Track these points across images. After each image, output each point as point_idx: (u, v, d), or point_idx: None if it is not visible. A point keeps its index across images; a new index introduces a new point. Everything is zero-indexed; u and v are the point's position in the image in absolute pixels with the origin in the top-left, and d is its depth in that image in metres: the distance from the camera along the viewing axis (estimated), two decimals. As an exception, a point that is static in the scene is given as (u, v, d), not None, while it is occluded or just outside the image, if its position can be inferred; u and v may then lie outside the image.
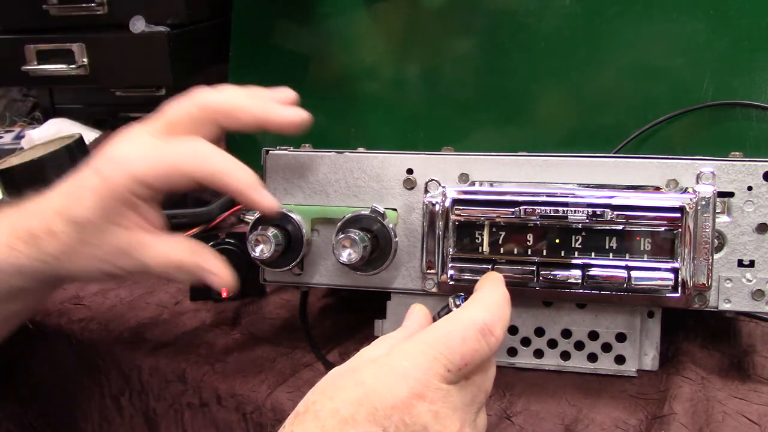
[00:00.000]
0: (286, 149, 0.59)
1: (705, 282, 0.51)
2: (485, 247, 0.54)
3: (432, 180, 0.55)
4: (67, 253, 0.54)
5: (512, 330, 0.57)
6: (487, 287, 0.46)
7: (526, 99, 0.83)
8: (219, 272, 0.54)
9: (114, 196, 0.52)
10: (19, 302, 0.59)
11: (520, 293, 0.53)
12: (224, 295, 0.67)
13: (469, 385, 0.41)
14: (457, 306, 0.45)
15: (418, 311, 0.47)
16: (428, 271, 0.55)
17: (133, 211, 0.53)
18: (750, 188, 0.52)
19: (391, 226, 0.55)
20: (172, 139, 0.54)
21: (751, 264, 0.52)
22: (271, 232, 0.54)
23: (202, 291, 0.70)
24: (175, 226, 0.86)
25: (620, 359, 0.56)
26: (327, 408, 0.39)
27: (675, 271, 0.51)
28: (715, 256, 0.52)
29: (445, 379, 0.40)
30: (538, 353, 0.57)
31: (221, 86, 0.56)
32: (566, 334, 0.56)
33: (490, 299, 0.44)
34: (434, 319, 0.46)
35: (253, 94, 0.55)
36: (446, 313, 0.45)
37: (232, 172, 0.52)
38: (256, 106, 0.55)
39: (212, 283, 0.55)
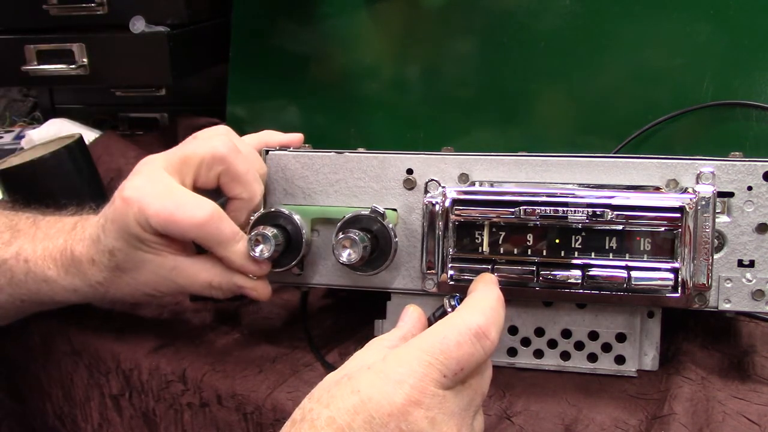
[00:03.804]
0: (286, 150, 0.59)
1: (705, 282, 0.51)
2: (485, 248, 0.54)
3: (432, 180, 0.55)
4: (108, 279, 0.58)
5: (512, 330, 0.57)
6: (480, 290, 0.46)
7: (526, 99, 0.83)
8: (254, 286, 0.57)
9: (127, 229, 0.55)
10: (57, 306, 0.63)
11: (520, 293, 0.54)
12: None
13: (465, 389, 0.41)
14: (452, 307, 0.45)
15: (413, 312, 0.47)
16: (428, 271, 0.55)
17: (157, 238, 0.55)
18: (750, 188, 0.52)
19: (391, 226, 0.55)
20: (183, 189, 0.55)
21: (751, 264, 0.52)
22: (271, 232, 0.54)
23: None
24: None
25: (620, 359, 0.56)
26: (323, 416, 0.39)
27: (675, 271, 0.51)
28: (715, 256, 0.52)
29: (441, 385, 0.40)
30: (538, 353, 0.57)
31: (241, 142, 0.58)
32: (566, 334, 0.56)
33: (484, 302, 0.44)
34: (429, 321, 0.46)
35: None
36: (441, 314, 0.45)
37: (227, 247, 0.55)
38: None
39: (251, 297, 0.58)
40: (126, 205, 0.54)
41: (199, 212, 0.54)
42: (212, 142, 0.56)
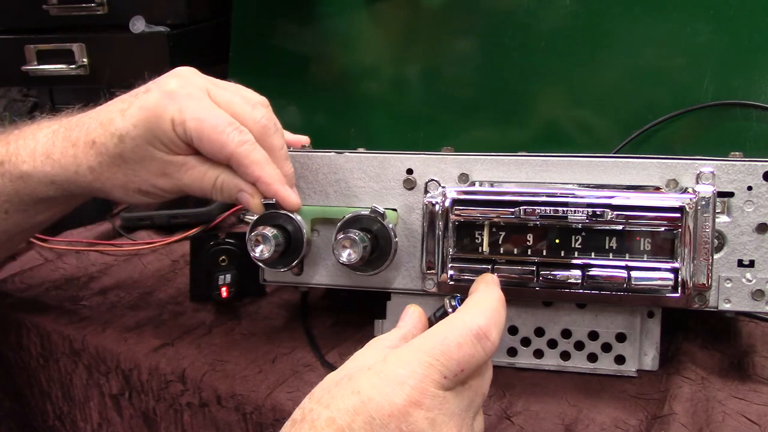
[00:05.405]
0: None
1: (705, 282, 0.51)
2: (485, 248, 0.54)
3: (432, 180, 0.55)
4: (103, 166, 0.56)
5: (512, 330, 0.57)
6: (482, 290, 0.46)
7: (526, 99, 0.84)
8: (253, 193, 0.55)
9: (159, 121, 0.53)
10: (45, 213, 0.61)
11: (520, 293, 0.54)
12: (224, 295, 0.67)
13: (465, 390, 0.41)
14: (453, 307, 0.45)
15: (413, 312, 0.47)
16: (428, 271, 0.55)
17: (178, 141, 0.54)
18: (750, 188, 0.52)
19: (391, 226, 0.55)
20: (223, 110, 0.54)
21: (751, 264, 0.52)
22: (271, 232, 0.54)
23: (202, 291, 0.70)
24: (175, 226, 0.86)
25: (620, 359, 0.56)
26: (323, 417, 0.39)
27: (675, 271, 0.51)
28: (715, 256, 0.52)
29: (441, 386, 0.40)
30: (538, 353, 0.57)
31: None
32: (566, 334, 0.56)
33: (485, 303, 0.43)
34: (430, 321, 0.46)
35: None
36: (442, 315, 0.45)
37: (262, 165, 0.54)
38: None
39: (246, 203, 0.56)
40: (168, 99, 0.53)
41: (238, 136, 0.53)
42: (256, 112, 0.55)
